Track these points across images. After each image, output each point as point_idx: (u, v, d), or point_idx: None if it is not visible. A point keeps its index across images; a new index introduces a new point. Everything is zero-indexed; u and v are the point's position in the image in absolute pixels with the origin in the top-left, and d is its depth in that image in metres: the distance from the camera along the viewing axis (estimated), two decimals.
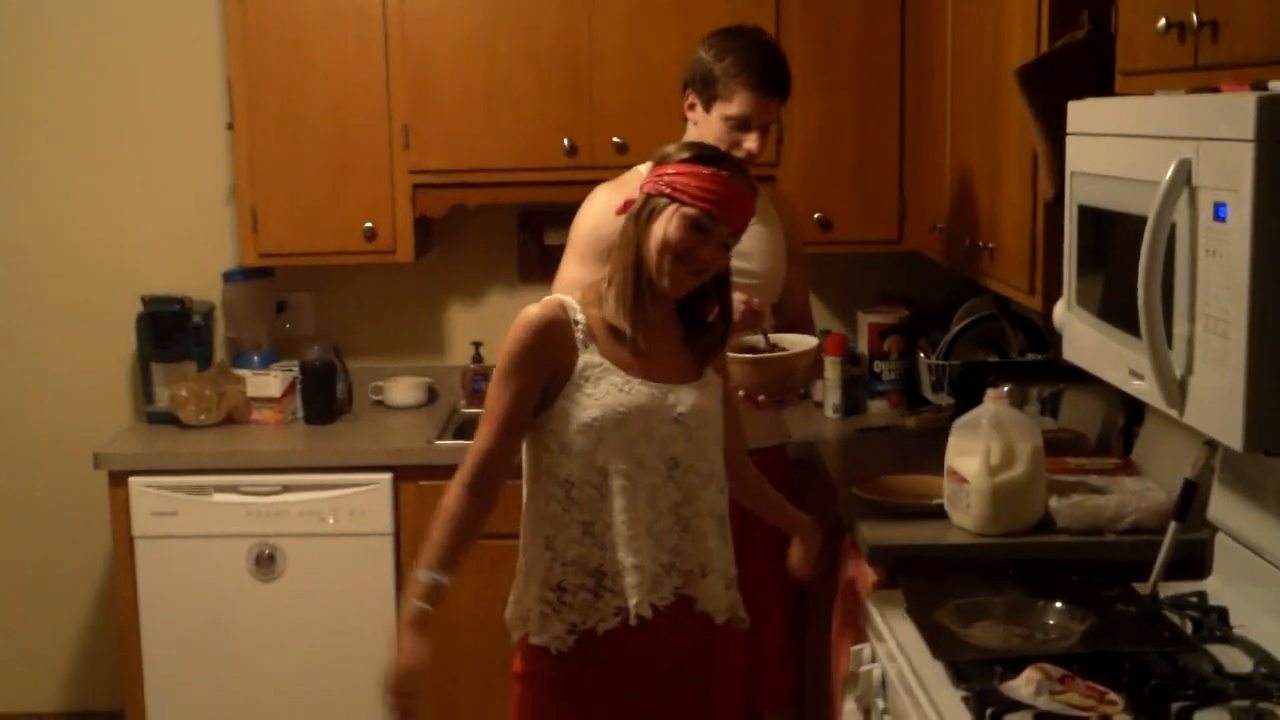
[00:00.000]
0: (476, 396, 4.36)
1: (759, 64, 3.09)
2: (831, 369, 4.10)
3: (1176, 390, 1.94)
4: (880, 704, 2.43)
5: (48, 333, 4.51)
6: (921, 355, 4.12)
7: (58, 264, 4.48)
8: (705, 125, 3.16)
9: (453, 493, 2.59)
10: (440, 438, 4.02)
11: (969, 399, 3.32)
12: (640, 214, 2.53)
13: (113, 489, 3.92)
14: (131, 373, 4.46)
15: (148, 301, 4.32)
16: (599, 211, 3.19)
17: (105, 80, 4.41)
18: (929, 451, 3.27)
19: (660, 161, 2.60)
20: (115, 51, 4.41)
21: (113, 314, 4.43)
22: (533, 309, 2.61)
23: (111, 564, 4.08)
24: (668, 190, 2.50)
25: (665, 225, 2.48)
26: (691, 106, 3.18)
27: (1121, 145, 2.17)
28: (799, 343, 3.10)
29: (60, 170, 4.45)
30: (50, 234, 4.47)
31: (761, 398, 3.05)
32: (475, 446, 2.59)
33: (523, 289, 4.38)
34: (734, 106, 3.10)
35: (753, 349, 3.05)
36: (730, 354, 3.01)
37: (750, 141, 3.12)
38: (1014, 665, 2.11)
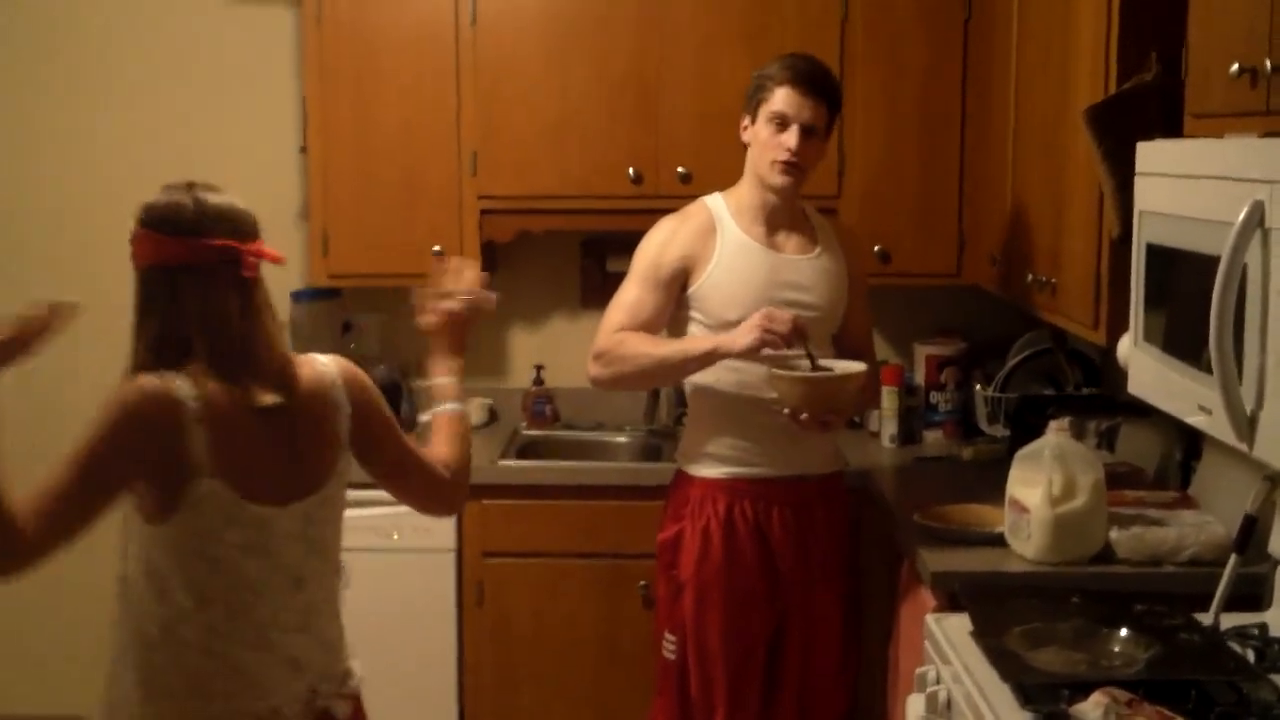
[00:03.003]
0: (538, 419, 4.45)
1: (798, 65, 3.21)
2: (889, 399, 4.15)
3: (1246, 425, 1.99)
4: None
5: (116, 353, 4.58)
6: (978, 387, 4.17)
7: (127, 284, 4.56)
8: (754, 137, 3.26)
9: None
10: (503, 458, 4.09)
11: (1025, 431, 3.38)
12: None
13: None
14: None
15: None
16: (662, 240, 3.28)
17: (182, 102, 4.52)
18: (985, 482, 3.34)
19: None
20: (193, 75, 4.52)
21: None
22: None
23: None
24: None
25: None
26: (745, 128, 3.28)
27: (1192, 186, 2.23)
28: (846, 367, 3.17)
29: (134, 191, 4.51)
30: (122, 256, 4.54)
31: (804, 416, 3.12)
32: None
33: (584, 314, 4.45)
34: (774, 103, 3.19)
35: (795, 371, 3.12)
36: (776, 371, 3.09)
37: (790, 138, 3.19)
38: (1081, 689, 2.15)
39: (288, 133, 4.45)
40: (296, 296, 4.46)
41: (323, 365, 2.47)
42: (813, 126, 3.22)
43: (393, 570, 3.98)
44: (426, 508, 2.80)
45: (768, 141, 3.21)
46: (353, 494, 3.88)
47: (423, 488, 2.68)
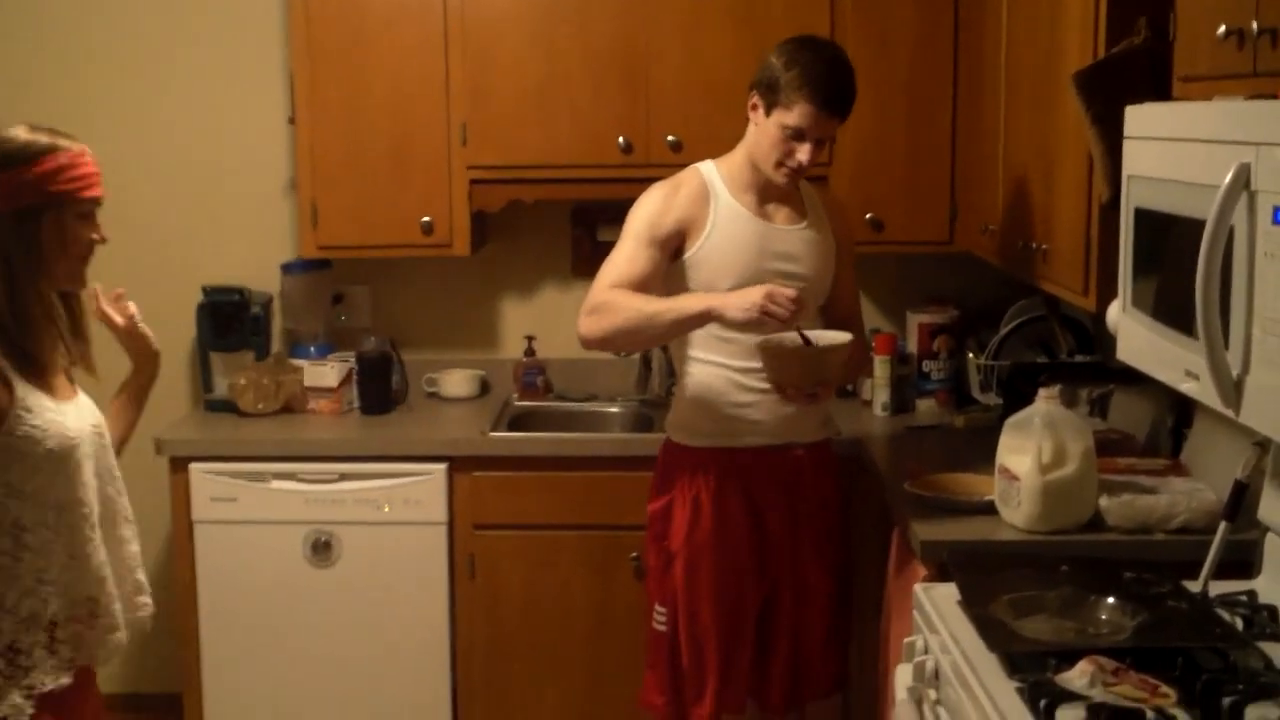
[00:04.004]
0: (529, 390, 4.43)
1: (824, 82, 3.11)
2: (881, 368, 4.14)
3: (1233, 390, 1.97)
4: (933, 694, 2.46)
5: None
6: (970, 355, 4.16)
7: (120, 254, 4.51)
8: (762, 129, 3.20)
9: None
10: (494, 429, 4.07)
11: (1018, 399, 3.36)
12: None
13: (173, 474, 4.00)
14: (191, 361, 4.54)
15: (208, 291, 4.40)
16: (658, 201, 3.25)
17: (169, 74, 4.50)
18: (977, 450, 3.32)
19: None
20: (179, 45, 4.50)
21: (173, 303, 4.49)
22: None
23: (170, 548, 4.15)
24: None
25: None
26: (754, 108, 3.21)
27: (1180, 149, 2.20)
28: (828, 337, 3.15)
29: (123, 162, 4.52)
30: (113, 224, 4.52)
31: (791, 390, 3.10)
32: None
33: (575, 284, 4.43)
34: (792, 117, 3.13)
35: (783, 343, 3.10)
36: (762, 344, 3.07)
37: (803, 153, 3.15)
38: (1068, 658, 2.14)
39: (275, 103, 4.42)
40: (286, 268, 4.45)
41: None
42: (825, 137, 3.19)
43: (383, 543, 3.98)
44: None
45: (777, 143, 3.16)
46: (339, 467, 3.93)
47: None
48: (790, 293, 3.00)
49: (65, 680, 2.45)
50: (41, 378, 2.46)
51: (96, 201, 2.53)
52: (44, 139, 2.46)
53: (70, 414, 2.49)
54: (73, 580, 2.46)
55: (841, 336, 3.15)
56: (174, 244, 4.56)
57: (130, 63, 4.50)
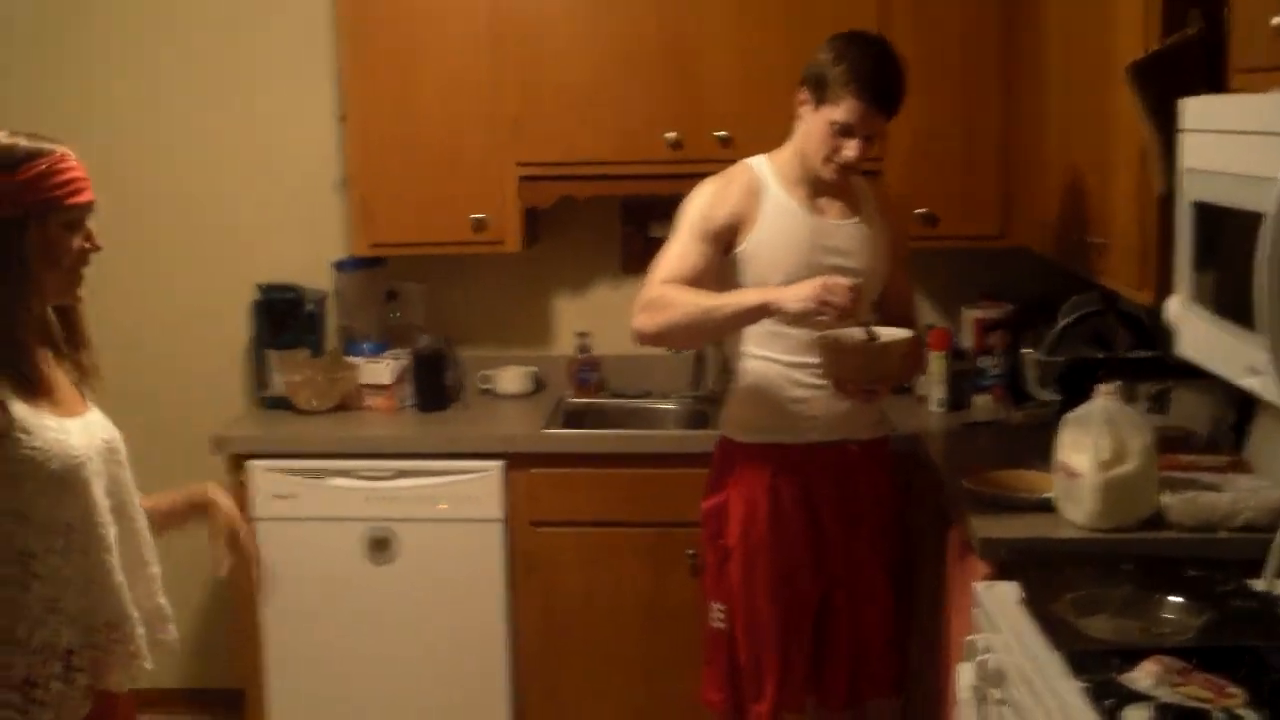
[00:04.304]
0: (583, 386, 4.43)
1: (873, 78, 3.09)
2: (936, 363, 4.12)
3: None
4: (996, 694, 2.45)
5: (166, 319, 4.63)
6: (1027, 351, 4.12)
7: (176, 252, 4.61)
8: (811, 124, 3.19)
9: None
10: (549, 426, 4.08)
11: (1075, 395, 3.33)
12: None
13: (232, 472, 4.02)
14: (246, 359, 4.56)
15: (263, 289, 4.43)
16: (711, 196, 3.25)
17: (221, 73, 4.54)
18: (1034, 447, 3.28)
19: None
20: (231, 43, 4.53)
21: (228, 301, 4.55)
22: None
23: (231, 545, 4.16)
24: None
25: None
26: (803, 103, 3.20)
27: (1237, 141, 2.18)
28: (888, 333, 3.13)
29: (178, 161, 4.57)
30: (169, 223, 4.59)
31: (850, 386, 3.09)
32: None
33: (627, 281, 4.43)
34: (840, 113, 3.11)
35: (839, 339, 3.09)
36: (822, 339, 3.06)
37: (850, 149, 3.14)
38: (1132, 657, 2.13)
39: (326, 101, 4.44)
40: (340, 265, 4.48)
41: None
42: (874, 134, 3.18)
43: (441, 540, 4.00)
44: None
45: (825, 139, 3.15)
46: (397, 464, 3.95)
47: None
48: (847, 282, 3.00)
49: (84, 710, 2.31)
50: (42, 396, 2.30)
51: (85, 208, 2.31)
52: (22, 143, 2.27)
53: (75, 431, 2.32)
54: (89, 606, 2.33)
55: (902, 332, 3.13)
56: (229, 242, 4.59)
57: (183, 63, 4.53)
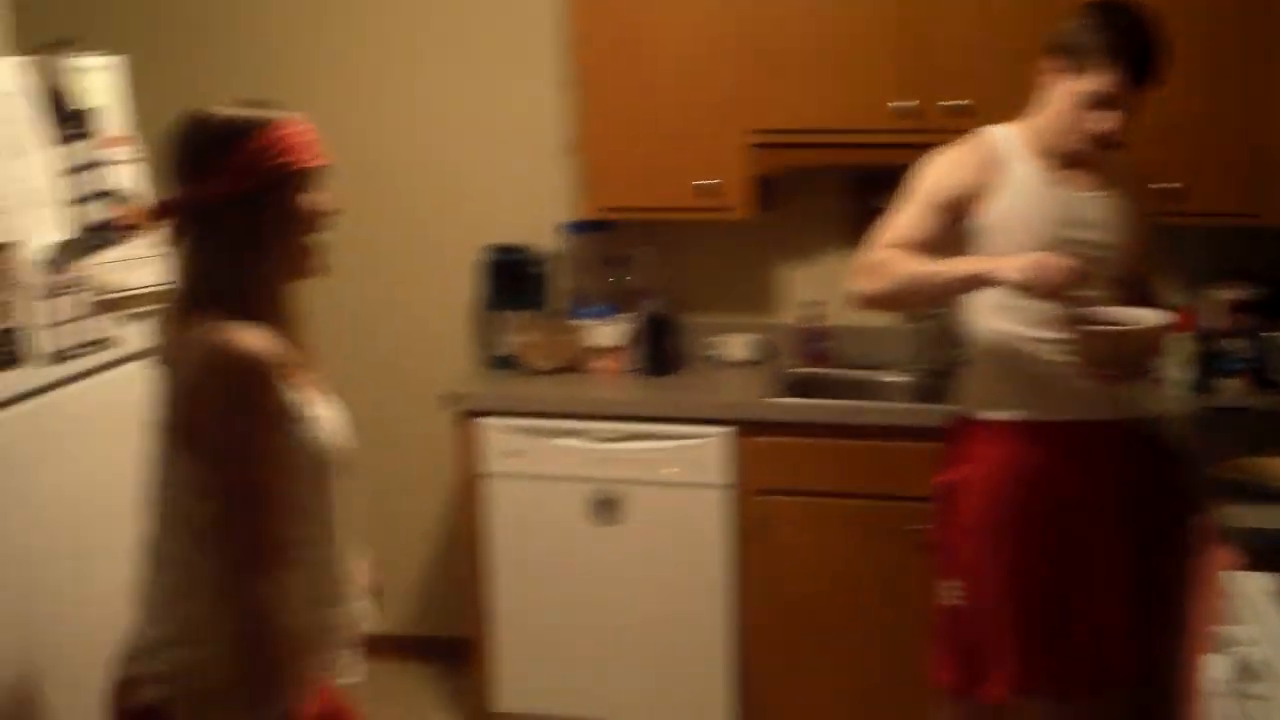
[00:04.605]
0: (810, 356, 4.38)
1: (1135, 49, 2.98)
2: (1181, 345, 3.95)
3: None
4: (1247, 687, 2.34)
5: (398, 278, 4.72)
6: (1275, 335, 3.92)
7: (410, 212, 4.69)
8: (1062, 94, 3.07)
9: None
10: (775, 395, 4.04)
11: None
12: None
13: (461, 428, 4.08)
14: (474, 319, 4.62)
15: (493, 250, 4.47)
16: (945, 166, 3.19)
17: (456, 34, 4.58)
18: None
19: None
20: (461, 7, 4.57)
21: (457, 262, 4.61)
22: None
23: (459, 499, 4.24)
24: None
25: None
26: (1052, 71, 3.09)
27: None
28: (1148, 317, 3.01)
29: (413, 123, 4.64)
30: (403, 183, 4.67)
31: (1105, 371, 2.98)
32: None
33: (855, 251, 4.34)
34: (1098, 84, 3.00)
35: (1092, 320, 2.98)
36: (1081, 326, 2.95)
37: (1108, 122, 3.03)
38: None
39: (559, 65, 4.45)
40: (570, 228, 4.49)
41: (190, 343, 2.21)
42: (1131, 106, 3.05)
43: (667, 504, 4.00)
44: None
45: (1078, 111, 3.05)
46: (623, 426, 3.95)
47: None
48: (1066, 264, 2.89)
49: (311, 705, 2.32)
50: (292, 379, 2.25)
51: (318, 172, 2.28)
52: (253, 112, 2.24)
53: (324, 418, 2.31)
54: (324, 596, 2.34)
55: (1157, 315, 3.01)
56: (459, 204, 4.65)
57: (412, 28, 4.60)
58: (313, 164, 2.26)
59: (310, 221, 2.28)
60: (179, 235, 2.25)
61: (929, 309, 4.10)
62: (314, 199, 2.27)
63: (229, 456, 2.14)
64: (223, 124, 2.21)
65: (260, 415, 2.15)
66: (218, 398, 2.14)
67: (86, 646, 3.03)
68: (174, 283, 2.27)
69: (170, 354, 2.24)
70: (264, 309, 2.23)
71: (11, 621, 2.82)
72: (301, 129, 2.27)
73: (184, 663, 2.22)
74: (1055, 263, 2.90)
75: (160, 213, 2.27)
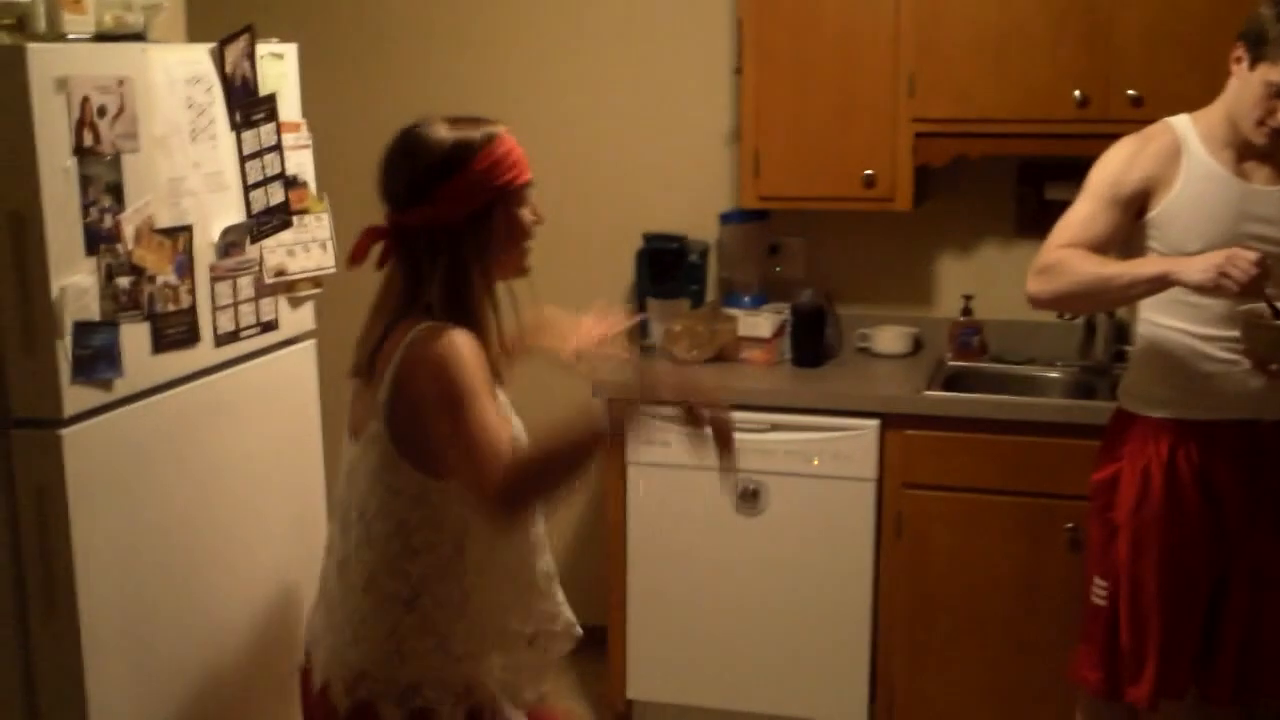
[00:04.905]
0: (965, 350, 4.33)
1: None
2: None
3: None
4: None
5: (554, 265, 4.73)
6: None
7: (567, 198, 4.73)
8: (1245, 84, 2.99)
9: None
10: (928, 388, 4.00)
11: None
12: None
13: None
14: (628, 307, 4.65)
15: (648, 238, 4.50)
16: (1125, 159, 3.11)
17: (619, 22, 4.61)
18: None
19: None
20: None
21: (614, 250, 4.64)
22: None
23: (603, 488, 4.28)
24: None
25: None
26: (1238, 61, 3.01)
27: None
28: None
29: (573, 108, 4.68)
30: (562, 169, 4.71)
31: (1275, 368, 2.91)
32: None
33: (1018, 243, 4.30)
34: (1278, 73, 2.93)
35: (1268, 317, 2.90)
36: (1243, 317, 2.89)
37: None
38: None
39: (722, 54, 4.46)
40: (725, 218, 4.51)
41: (405, 344, 2.31)
42: None
43: (811, 496, 3.98)
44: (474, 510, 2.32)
45: (1260, 101, 2.96)
46: (771, 417, 3.95)
47: (464, 488, 2.28)
48: (1253, 255, 2.82)
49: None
50: (499, 382, 2.40)
51: (530, 184, 2.42)
52: (476, 132, 2.35)
53: (516, 423, 2.44)
54: (519, 603, 2.45)
55: None
56: (617, 192, 4.68)
57: (579, 16, 4.64)
58: (528, 177, 2.39)
59: (528, 232, 2.42)
60: (400, 251, 2.37)
61: (1107, 310, 4.03)
62: (530, 210, 2.41)
63: (461, 434, 2.21)
64: (452, 147, 2.32)
65: (487, 400, 2.24)
66: (451, 386, 2.22)
67: (241, 616, 3.14)
68: (386, 297, 2.39)
69: (378, 363, 2.33)
70: (479, 316, 2.34)
71: (177, 594, 2.92)
72: (513, 142, 2.38)
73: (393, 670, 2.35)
74: (1240, 260, 2.82)
75: (386, 234, 2.38)
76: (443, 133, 2.33)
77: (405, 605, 2.35)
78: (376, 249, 2.40)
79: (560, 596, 2.56)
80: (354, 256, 2.39)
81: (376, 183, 2.40)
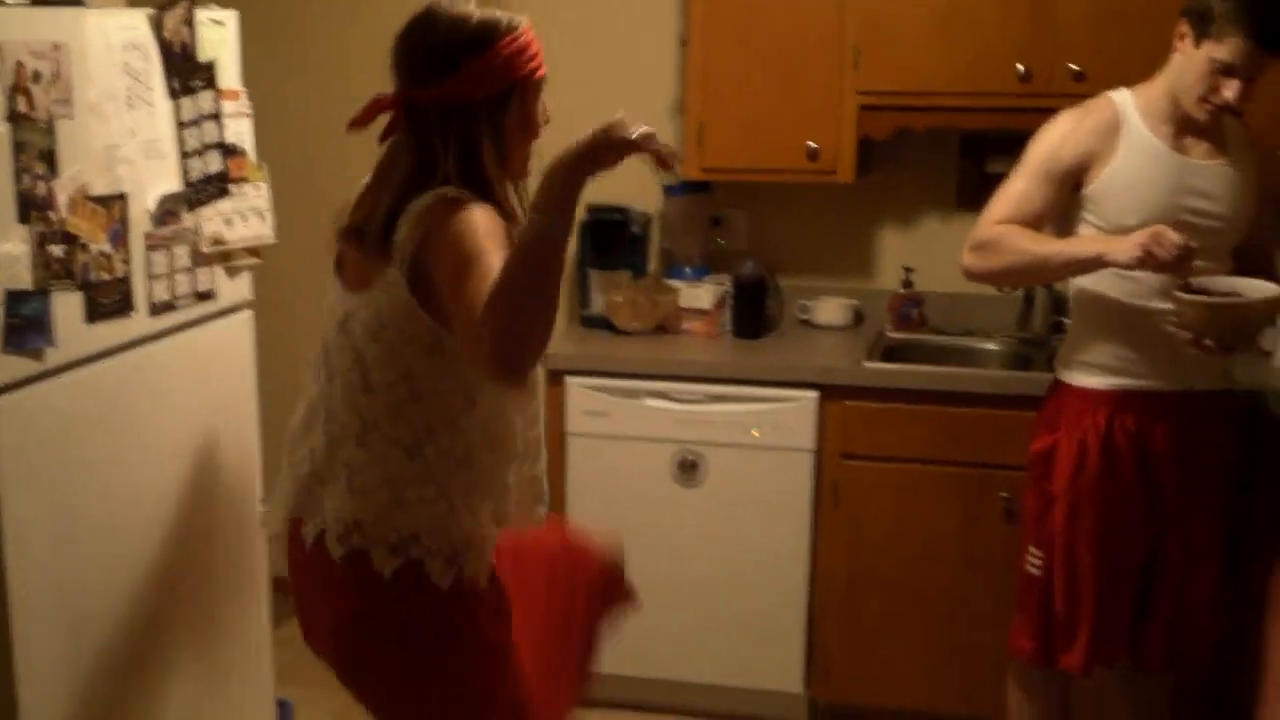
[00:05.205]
0: (905, 322, 4.36)
1: (1264, 16, 2.91)
2: None
3: None
4: None
5: None
6: None
7: None
8: (1189, 60, 3.02)
9: None
10: (868, 360, 4.02)
11: None
12: None
13: (549, 386, 4.10)
14: (570, 277, 4.64)
15: (591, 210, 4.48)
16: (1062, 134, 3.14)
17: None
18: None
19: None
20: None
21: None
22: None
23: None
24: None
25: None
26: (1181, 37, 3.03)
27: None
28: (1256, 289, 2.97)
29: None
30: None
31: (1208, 343, 2.95)
32: None
33: (959, 216, 4.32)
34: (1223, 51, 2.94)
35: (1205, 290, 2.94)
36: (1182, 295, 2.92)
37: (1230, 90, 2.97)
38: None
39: (668, 25, 4.45)
40: (668, 190, 4.49)
41: (433, 198, 2.29)
42: (1258, 76, 3.00)
43: (750, 467, 4.00)
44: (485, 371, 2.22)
45: (1203, 78, 2.99)
46: (711, 389, 3.96)
47: (463, 344, 2.24)
48: (1177, 237, 2.86)
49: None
50: None
51: (546, 79, 2.43)
52: (503, 17, 2.35)
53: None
54: (512, 462, 2.49)
55: (1269, 288, 2.95)
56: None
57: None
58: (544, 70, 2.40)
59: (538, 127, 2.42)
60: (410, 126, 2.35)
61: (1042, 285, 4.07)
62: (542, 105, 2.41)
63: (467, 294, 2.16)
64: (480, 25, 2.32)
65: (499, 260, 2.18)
66: (470, 246, 2.19)
67: (177, 587, 3.12)
68: (390, 170, 2.37)
69: (384, 227, 2.31)
70: (499, 198, 2.34)
71: (110, 567, 2.90)
72: (533, 35, 2.38)
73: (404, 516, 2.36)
74: (1165, 238, 2.87)
75: (404, 104, 2.35)
76: (472, 10, 2.34)
77: (407, 452, 2.35)
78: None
79: (544, 463, 2.58)
80: (356, 121, 2.38)
81: (391, 54, 2.38)
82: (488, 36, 2.31)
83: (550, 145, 4.55)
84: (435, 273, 2.24)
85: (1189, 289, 2.95)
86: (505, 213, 2.33)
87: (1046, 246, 3.09)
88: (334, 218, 2.53)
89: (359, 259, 2.40)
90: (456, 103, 2.31)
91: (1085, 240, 3.08)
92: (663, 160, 2.21)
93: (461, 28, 2.32)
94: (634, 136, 2.16)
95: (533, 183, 2.24)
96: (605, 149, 2.15)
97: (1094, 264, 3.03)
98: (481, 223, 2.23)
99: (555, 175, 2.12)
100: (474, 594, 2.40)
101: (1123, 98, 3.15)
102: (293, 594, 2.53)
